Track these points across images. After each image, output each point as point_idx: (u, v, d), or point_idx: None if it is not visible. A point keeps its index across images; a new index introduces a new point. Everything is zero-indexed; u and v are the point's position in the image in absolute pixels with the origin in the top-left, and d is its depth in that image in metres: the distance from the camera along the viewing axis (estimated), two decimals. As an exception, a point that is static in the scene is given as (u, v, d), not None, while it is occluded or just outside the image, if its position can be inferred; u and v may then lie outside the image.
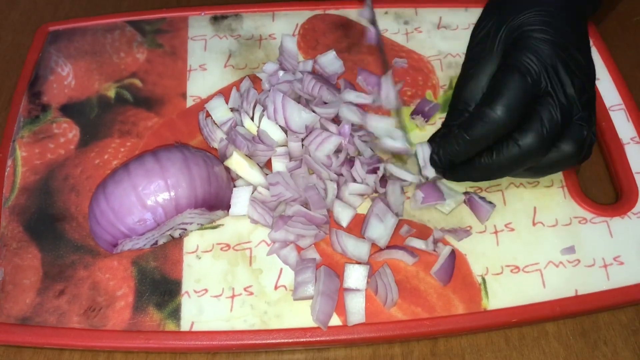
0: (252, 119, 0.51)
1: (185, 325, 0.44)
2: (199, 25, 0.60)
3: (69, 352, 0.45)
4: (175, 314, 0.44)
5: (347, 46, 0.58)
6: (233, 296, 0.45)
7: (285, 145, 0.50)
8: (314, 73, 0.54)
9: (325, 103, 0.52)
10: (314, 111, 0.50)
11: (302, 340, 0.43)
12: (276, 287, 0.45)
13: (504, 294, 0.45)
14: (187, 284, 0.45)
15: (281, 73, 0.54)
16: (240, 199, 0.48)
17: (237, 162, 0.48)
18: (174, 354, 0.45)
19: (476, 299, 0.45)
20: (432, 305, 0.44)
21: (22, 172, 0.51)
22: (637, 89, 0.55)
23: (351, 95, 0.53)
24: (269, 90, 0.51)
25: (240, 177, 0.49)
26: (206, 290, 0.45)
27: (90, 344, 0.43)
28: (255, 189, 0.49)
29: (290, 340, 0.43)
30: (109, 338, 0.43)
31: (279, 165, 0.49)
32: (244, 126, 0.51)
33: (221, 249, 0.47)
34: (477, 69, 0.47)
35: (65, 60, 0.57)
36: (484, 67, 0.47)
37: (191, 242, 0.47)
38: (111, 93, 0.55)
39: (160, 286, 0.45)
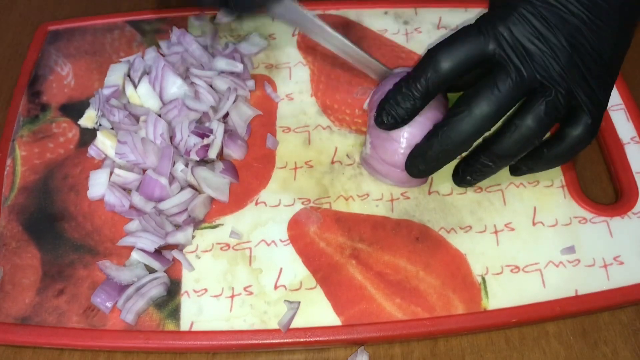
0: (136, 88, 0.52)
1: (184, 325, 0.44)
2: (198, 25, 0.60)
3: (68, 352, 0.45)
4: (175, 314, 0.44)
5: (347, 46, 0.58)
6: (233, 296, 0.45)
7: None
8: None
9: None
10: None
11: (302, 340, 0.43)
12: (276, 287, 0.45)
13: (504, 294, 0.45)
14: (187, 284, 0.45)
15: (174, 41, 0.55)
16: (98, 181, 0.48)
17: (102, 143, 0.49)
18: (173, 354, 0.45)
19: (476, 299, 0.45)
20: (432, 305, 0.44)
21: (22, 172, 0.51)
22: (637, 89, 0.55)
23: (222, 64, 0.53)
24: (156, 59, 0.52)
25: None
26: (206, 290, 0.45)
27: (90, 343, 0.43)
28: (112, 171, 0.48)
29: (290, 340, 0.43)
30: (108, 338, 0.43)
31: (144, 132, 0.49)
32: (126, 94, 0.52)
33: (221, 248, 0.47)
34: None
35: (64, 59, 0.57)
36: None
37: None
38: (111, 93, 0.55)
39: (159, 286, 0.45)
